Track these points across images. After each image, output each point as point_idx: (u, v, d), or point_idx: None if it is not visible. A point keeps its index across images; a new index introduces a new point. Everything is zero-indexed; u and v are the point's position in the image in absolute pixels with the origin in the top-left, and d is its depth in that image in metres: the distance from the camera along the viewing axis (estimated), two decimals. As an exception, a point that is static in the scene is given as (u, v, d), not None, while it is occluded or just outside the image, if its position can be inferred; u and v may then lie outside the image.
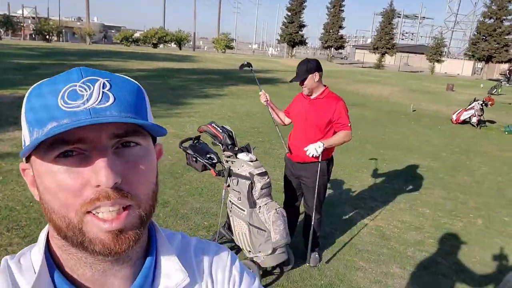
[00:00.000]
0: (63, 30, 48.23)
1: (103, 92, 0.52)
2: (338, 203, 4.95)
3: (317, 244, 3.57)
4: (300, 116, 3.36)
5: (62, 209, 0.51)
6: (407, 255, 3.84)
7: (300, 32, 53.32)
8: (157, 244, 0.63)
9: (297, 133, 3.38)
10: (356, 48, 76.27)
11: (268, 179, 3.05)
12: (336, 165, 6.46)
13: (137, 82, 0.59)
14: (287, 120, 3.63)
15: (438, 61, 42.93)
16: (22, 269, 0.57)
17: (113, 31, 63.76)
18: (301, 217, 3.84)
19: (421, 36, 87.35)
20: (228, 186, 3.17)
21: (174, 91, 12.94)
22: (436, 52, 43.13)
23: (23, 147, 0.53)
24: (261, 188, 2.99)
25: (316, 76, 3.27)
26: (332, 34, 52.23)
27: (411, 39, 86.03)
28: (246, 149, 3.17)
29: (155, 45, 45.52)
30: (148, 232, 0.63)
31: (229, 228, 3.31)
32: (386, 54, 47.83)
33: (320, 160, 3.27)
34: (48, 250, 0.58)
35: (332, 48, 53.67)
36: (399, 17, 61.37)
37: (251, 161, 3.03)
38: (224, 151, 3.16)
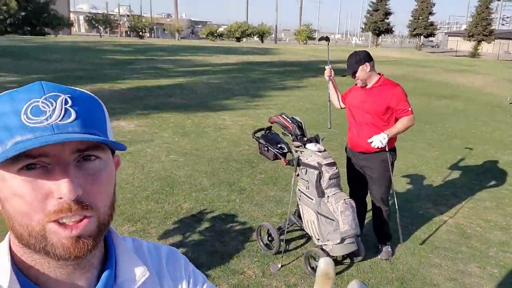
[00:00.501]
0: (154, 27, 51.67)
1: (65, 108, 0.54)
2: (416, 199, 4.78)
3: (388, 237, 3.53)
4: (358, 106, 3.36)
5: (25, 218, 0.53)
6: (489, 255, 3.62)
7: (386, 20, 50.98)
8: (115, 246, 0.67)
9: (357, 123, 3.37)
10: (448, 36, 70.68)
11: (337, 170, 3.10)
12: (419, 159, 6.28)
13: (97, 98, 0.62)
14: (342, 105, 3.66)
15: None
16: None
17: (199, 26, 66.68)
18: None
19: (527, 19, 78.00)
20: (298, 175, 3.28)
21: (254, 84, 13.29)
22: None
23: None
24: (329, 178, 3.05)
25: (367, 66, 3.24)
26: (422, 21, 49.06)
27: (515, 23, 77.28)
28: (315, 139, 3.24)
29: (238, 39, 46.76)
30: (105, 237, 0.67)
31: (299, 216, 3.42)
32: (482, 42, 43.65)
33: (387, 149, 3.25)
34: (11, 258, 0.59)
35: (422, 36, 50.44)
36: (498, 0, 55.42)
37: (319, 152, 3.10)
38: (293, 141, 3.27)
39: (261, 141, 3.41)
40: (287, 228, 3.40)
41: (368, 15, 51.91)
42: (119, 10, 57.70)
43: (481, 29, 43.47)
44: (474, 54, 41.83)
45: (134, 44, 28.69)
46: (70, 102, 0.55)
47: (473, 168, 6.08)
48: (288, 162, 3.26)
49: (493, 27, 45.20)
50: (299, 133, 3.26)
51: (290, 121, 3.31)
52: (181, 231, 3.68)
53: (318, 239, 3.11)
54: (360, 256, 3.23)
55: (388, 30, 52.58)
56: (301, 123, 3.34)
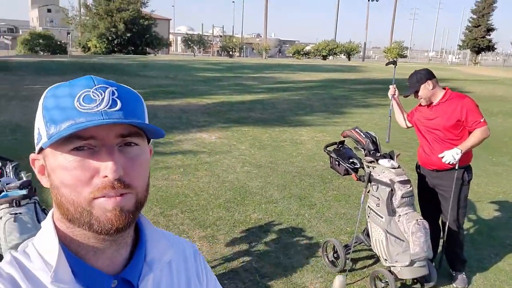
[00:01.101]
0: (244, 46, 53.80)
1: (112, 98, 0.62)
2: (503, 227, 4.30)
3: (463, 263, 3.23)
4: (427, 124, 3.18)
5: (73, 193, 0.60)
6: None
7: (487, 37, 47.11)
8: (145, 228, 0.74)
9: (428, 141, 3.18)
10: None
11: (411, 188, 2.94)
12: (508, 183, 5.65)
13: (137, 93, 0.69)
14: (408, 124, 3.50)
15: None
16: (31, 258, 0.63)
17: (287, 45, 67.91)
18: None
19: None
20: (369, 191, 3.17)
21: (336, 101, 13.13)
22: None
23: (36, 140, 0.64)
24: (402, 197, 2.90)
25: (429, 84, 3.07)
26: (530, 37, 44.41)
27: None
28: (389, 155, 3.11)
29: (324, 57, 46.67)
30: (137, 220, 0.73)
31: (368, 234, 3.29)
32: None
33: (457, 167, 3.03)
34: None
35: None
36: None
37: (393, 168, 2.97)
38: (366, 156, 3.18)
39: (333, 155, 3.37)
40: (354, 246, 3.28)
41: (467, 31, 48.47)
42: (212, 31, 61.26)
43: None
44: None
45: (224, 63, 30.18)
46: (116, 93, 0.63)
47: None
48: (359, 177, 3.17)
49: None
50: (372, 148, 3.17)
51: (364, 136, 3.23)
52: (248, 240, 3.75)
53: (386, 260, 2.96)
54: (432, 282, 2.99)
55: (489, 48, 48.49)
56: (375, 138, 3.24)
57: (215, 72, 21.78)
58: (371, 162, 3.12)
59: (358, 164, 3.31)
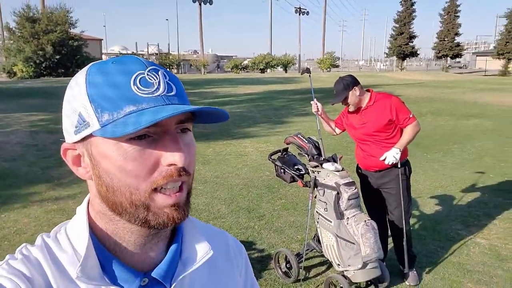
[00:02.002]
0: (181, 63, 53.28)
1: (166, 82, 0.57)
2: (446, 220, 4.51)
3: (412, 259, 3.31)
4: (359, 128, 3.25)
5: (131, 187, 0.55)
6: (530, 280, 3.31)
7: (410, 44, 50.66)
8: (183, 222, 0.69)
9: (365, 144, 3.26)
10: (476, 56, 69.49)
11: (356, 190, 2.95)
12: (448, 179, 5.99)
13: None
14: (338, 131, 3.59)
15: None
16: (61, 246, 0.60)
17: (225, 60, 68.33)
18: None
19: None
20: (315, 197, 3.15)
21: (277, 111, 13.31)
22: None
23: (75, 127, 0.56)
24: (348, 199, 2.91)
25: (356, 90, 3.16)
26: (447, 43, 48.49)
27: (546, 40, 75.24)
28: (332, 158, 3.12)
29: (262, 70, 47.47)
30: None
31: (318, 240, 3.26)
32: (513, 59, 42.53)
33: (399, 164, 3.13)
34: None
35: (448, 58, 49.70)
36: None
37: (337, 171, 2.98)
38: (310, 161, 3.16)
39: (277, 163, 3.32)
40: (306, 254, 3.24)
41: (392, 39, 51.79)
42: (147, 49, 60.12)
43: (511, 47, 42.45)
44: (505, 73, 40.76)
45: (161, 80, 29.51)
46: (167, 76, 0.57)
47: (506, 187, 5.72)
48: (305, 183, 3.14)
49: (523, 45, 44.05)
50: (315, 152, 3.16)
51: (306, 141, 3.22)
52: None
53: (339, 265, 2.93)
54: (385, 282, 3.02)
55: (413, 53, 52.11)
56: (317, 142, 3.24)
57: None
58: (315, 166, 3.11)
59: (303, 170, 3.29)
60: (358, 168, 3.44)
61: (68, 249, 0.59)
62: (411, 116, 3.12)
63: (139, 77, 0.54)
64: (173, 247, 0.64)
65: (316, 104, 3.49)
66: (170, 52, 59.20)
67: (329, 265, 3.40)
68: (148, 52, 58.90)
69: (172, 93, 0.56)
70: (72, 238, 0.60)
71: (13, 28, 30.98)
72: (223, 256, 0.73)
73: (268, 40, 58.87)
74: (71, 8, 31.71)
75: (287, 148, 3.47)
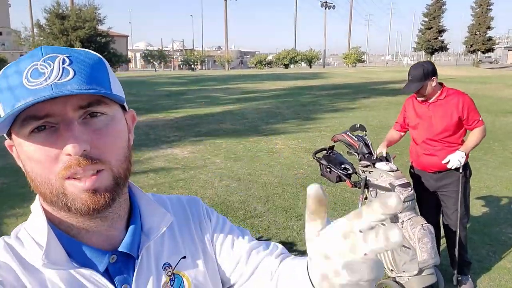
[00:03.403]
0: (206, 59, 53.50)
1: (63, 68, 0.55)
2: (495, 222, 4.23)
3: (469, 266, 3.08)
4: (425, 124, 2.98)
5: (44, 177, 0.56)
6: None
7: (439, 38, 49.28)
8: (137, 197, 0.70)
9: (426, 142, 2.99)
10: (508, 50, 67.02)
11: (412, 191, 2.75)
12: (492, 179, 5.67)
13: (98, 54, 0.61)
14: (400, 135, 3.29)
15: None
16: (23, 243, 0.61)
17: (248, 56, 68.27)
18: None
19: None
20: (365, 198, 2.96)
21: (305, 107, 13.07)
22: None
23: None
24: (404, 201, 2.71)
25: (433, 81, 2.87)
26: (479, 37, 46.89)
27: None
28: (385, 158, 2.93)
29: (286, 66, 47.15)
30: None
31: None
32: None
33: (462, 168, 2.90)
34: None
35: (479, 52, 48.06)
36: None
37: (392, 171, 2.78)
38: (360, 160, 2.98)
39: (323, 161, 3.14)
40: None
41: (421, 34, 50.49)
42: (172, 46, 60.65)
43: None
44: (540, 68, 39.03)
45: (187, 76, 29.76)
46: (67, 61, 0.56)
47: (559, 188, 5.36)
48: (354, 184, 2.96)
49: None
50: (366, 151, 2.97)
51: (356, 139, 3.03)
52: (238, 260, 3.45)
53: (392, 270, 2.75)
54: (442, 290, 2.81)
55: (442, 48, 50.70)
56: (367, 140, 3.04)
57: (178, 85, 21.32)
58: (366, 166, 2.92)
59: (351, 170, 3.10)
60: (412, 167, 3.21)
61: (30, 244, 0.60)
62: (480, 119, 2.88)
63: (31, 70, 0.54)
64: (131, 223, 0.66)
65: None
66: (195, 48, 59.50)
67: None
68: (173, 48, 59.41)
69: (67, 78, 0.54)
70: (32, 233, 0.62)
71: (43, 25, 31.68)
72: (182, 219, 0.74)
73: (292, 35, 58.41)
74: (99, 5, 32.13)
75: (333, 146, 3.29)
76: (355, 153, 3.05)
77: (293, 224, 4.16)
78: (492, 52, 54.65)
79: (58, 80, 0.53)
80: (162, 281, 0.66)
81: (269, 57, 50.74)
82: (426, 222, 2.71)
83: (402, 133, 3.25)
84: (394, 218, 2.72)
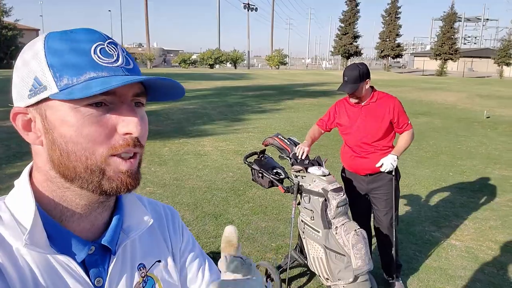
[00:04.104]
0: (126, 57, 51.11)
1: (125, 56, 0.59)
2: (418, 221, 4.44)
3: (398, 268, 3.14)
4: (356, 126, 2.98)
5: (86, 151, 0.55)
6: (509, 282, 3.27)
7: (354, 43, 52.33)
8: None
9: (358, 144, 2.99)
10: (414, 56, 73.47)
11: (344, 196, 2.71)
12: (411, 178, 6.00)
13: None
14: (322, 132, 3.19)
15: (507, 64, 39.90)
16: (2, 219, 0.58)
17: (171, 54, 66.66)
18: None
19: (485, 39, 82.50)
20: (298, 204, 2.87)
21: (232, 108, 12.95)
22: (505, 54, 40.16)
23: (29, 91, 0.56)
24: (337, 206, 2.65)
25: (368, 83, 2.90)
26: (389, 43, 50.67)
27: (474, 43, 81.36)
28: (317, 162, 2.86)
29: (211, 66, 46.77)
30: None
31: (301, 251, 3.00)
32: (448, 60, 45.30)
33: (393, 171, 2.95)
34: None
35: (389, 57, 51.95)
36: (459, 20, 57.87)
37: (324, 176, 2.71)
38: (292, 165, 2.87)
39: (254, 166, 3.00)
40: (289, 266, 2.95)
41: (337, 39, 53.19)
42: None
43: (447, 48, 45.17)
44: (441, 73, 43.32)
45: (105, 74, 28.03)
46: (125, 51, 0.60)
47: (467, 185, 5.83)
48: (286, 189, 2.85)
49: (457, 46, 47.08)
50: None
51: (288, 142, 2.92)
52: (164, 275, 3.16)
53: (327, 279, 2.68)
54: (375, 295, 2.81)
55: (357, 53, 53.87)
56: (299, 143, 2.95)
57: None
58: (299, 171, 2.82)
59: (283, 175, 2.99)
60: (343, 170, 3.19)
61: (9, 222, 0.58)
62: (409, 122, 2.94)
63: (99, 47, 0.56)
64: (116, 217, 0.66)
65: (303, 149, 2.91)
66: (114, 45, 56.58)
67: (311, 276, 3.15)
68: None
69: (130, 66, 0.58)
70: (13, 210, 0.59)
71: None
72: (159, 223, 0.75)
73: (216, 35, 58.22)
74: (3, -6, 29.11)
75: (264, 150, 3.16)
76: (287, 158, 2.94)
77: (223, 232, 3.96)
78: (401, 57, 59.36)
79: (125, 65, 0.57)
80: (135, 281, 0.66)
81: (194, 56, 49.96)
82: (359, 227, 2.67)
83: (323, 131, 3.19)
84: (328, 224, 2.65)
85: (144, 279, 0.67)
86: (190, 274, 0.76)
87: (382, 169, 2.86)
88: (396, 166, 3.01)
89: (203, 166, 6.23)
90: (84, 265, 0.61)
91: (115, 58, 0.56)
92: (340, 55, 54.68)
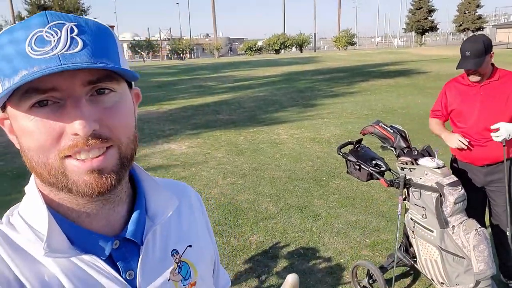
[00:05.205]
0: (194, 47, 52.52)
1: (71, 37, 0.50)
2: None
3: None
4: (474, 109, 2.55)
5: (41, 156, 0.52)
6: None
7: (429, 18, 48.82)
8: (142, 180, 0.67)
9: (476, 131, 2.57)
10: (497, 28, 66.90)
11: (462, 190, 2.34)
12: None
13: (107, 26, 0.55)
14: (443, 123, 2.81)
15: None
16: (16, 229, 0.56)
17: (237, 43, 67.26)
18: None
19: None
20: (405, 199, 2.56)
21: (303, 93, 12.61)
22: None
23: None
24: (455, 202, 2.30)
25: (492, 57, 2.48)
26: (469, 15, 46.55)
27: None
28: (428, 152, 2.51)
29: (277, 51, 46.40)
30: (131, 173, 0.67)
31: (406, 250, 2.69)
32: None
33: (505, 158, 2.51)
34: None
35: (469, 31, 47.76)
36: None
37: (438, 168, 2.37)
38: (398, 156, 2.56)
39: (350, 158, 2.71)
40: (395, 268, 2.66)
41: (410, 14, 49.98)
42: (160, 35, 59.44)
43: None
44: (531, 44, 38.87)
45: (177, 66, 29.03)
46: (76, 30, 0.51)
47: None
48: (390, 182, 2.54)
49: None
50: (404, 145, 2.55)
51: (391, 131, 2.60)
52: (255, 272, 3.04)
53: (443, 283, 2.36)
54: (500, 304, 2.44)
55: (433, 28, 50.28)
56: (404, 132, 2.62)
57: (169, 76, 20.66)
58: (407, 163, 2.50)
59: (384, 167, 2.68)
60: (454, 161, 2.80)
61: (25, 231, 0.56)
62: None
63: (35, 36, 0.49)
64: (136, 208, 0.63)
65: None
66: (182, 36, 58.39)
67: (415, 277, 2.84)
68: (160, 37, 58.29)
69: (76, 49, 0.50)
70: (27, 218, 0.57)
71: (25, 17, 30.65)
72: (186, 204, 0.73)
73: (280, 20, 57.58)
74: (82, -5, 31.13)
75: (361, 139, 2.86)
76: (391, 148, 2.63)
77: (311, 225, 3.76)
78: (482, 30, 54.32)
79: (66, 50, 0.50)
80: (171, 268, 0.64)
81: (259, 43, 49.88)
82: (480, 226, 2.30)
83: (444, 122, 2.81)
84: (444, 223, 2.31)
85: (179, 264, 0.65)
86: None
87: (496, 134, 2.41)
88: None
89: (281, 155, 6.05)
90: (112, 261, 0.58)
91: (52, 44, 0.49)
92: (413, 31, 51.36)
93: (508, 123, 2.42)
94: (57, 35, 0.49)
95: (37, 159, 0.52)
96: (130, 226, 0.60)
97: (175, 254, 0.65)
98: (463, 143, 2.54)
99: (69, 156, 0.51)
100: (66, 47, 0.49)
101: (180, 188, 0.76)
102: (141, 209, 0.63)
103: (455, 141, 2.58)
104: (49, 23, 0.50)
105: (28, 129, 0.51)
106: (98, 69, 0.51)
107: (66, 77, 0.49)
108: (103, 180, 0.53)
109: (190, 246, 0.68)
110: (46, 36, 0.49)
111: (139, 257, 0.60)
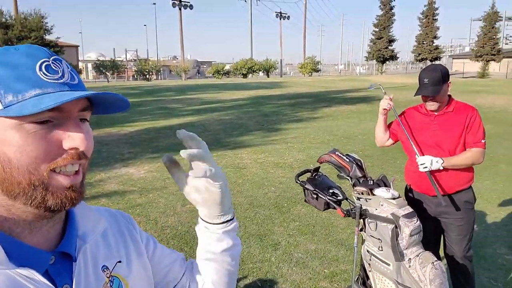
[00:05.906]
0: (161, 69, 52.13)
1: (69, 71, 0.60)
2: (487, 242, 3.93)
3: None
4: (428, 138, 2.58)
5: (30, 167, 0.55)
6: None
7: (389, 47, 51.03)
8: None
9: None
10: (453, 58, 70.82)
11: (418, 222, 2.32)
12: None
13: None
14: (389, 142, 2.84)
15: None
16: None
17: (205, 66, 67.54)
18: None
19: (530, 38, 78.49)
20: (361, 230, 2.50)
21: (268, 117, 12.66)
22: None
23: None
24: (410, 235, 2.26)
25: (449, 86, 2.52)
26: (426, 46, 49.05)
27: (518, 42, 77.53)
28: (383, 182, 2.48)
29: (244, 75, 46.87)
30: None
31: (364, 283, 2.62)
32: (491, 61, 43.14)
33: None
34: None
35: (427, 60, 50.24)
36: (501, 20, 55.12)
37: (393, 198, 2.34)
38: (354, 185, 2.51)
39: (308, 186, 2.65)
40: (350, 301, 2.58)
41: (372, 44, 52.09)
42: (126, 55, 58.80)
43: (489, 48, 43.05)
44: (483, 75, 41.25)
45: (142, 86, 28.62)
46: (69, 67, 0.61)
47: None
48: (346, 212, 2.48)
49: (500, 46, 44.84)
50: (359, 174, 2.51)
51: (347, 160, 2.56)
52: (209, 307, 2.86)
53: (400, 319, 2.29)
54: None
55: (393, 57, 52.52)
56: (360, 161, 2.59)
57: (133, 96, 20.25)
58: (362, 193, 2.46)
59: (341, 196, 2.63)
60: (410, 190, 2.79)
61: None
62: (482, 141, 2.49)
63: (44, 64, 0.56)
64: (69, 226, 0.66)
65: (391, 98, 2.70)
66: (149, 58, 57.95)
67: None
68: (126, 58, 57.62)
69: (75, 81, 0.59)
70: None
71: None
72: (114, 226, 0.76)
73: (248, 45, 58.48)
74: (46, 14, 30.32)
75: (318, 167, 2.81)
76: (347, 177, 2.58)
77: (270, 255, 3.64)
78: (439, 60, 57.29)
79: (70, 81, 0.59)
80: (103, 282, 0.67)
81: (227, 67, 50.26)
82: (436, 259, 2.27)
83: (389, 136, 2.81)
84: (400, 256, 2.26)
85: (110, 278, 0.68)
86: (165, 267, 0.82)
87: (421, 165, 2.44)
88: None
89: (243, 181, 5.94)
90: (49, 275, 0.60)
91: (60, 74, 0.57)
92: (375, 60, 53.44)
93: (432, 158, 2.45)
94: (61, 67, 0.58)
95: (24, 168, 0.55)
96: (65, 242, 0.63)
97: (105, 270, 0.68)
98: (390, 103, 2.63)
99: (54, 171, 0.56)
100: (70, 79, 0.59)
101: (111, 213, 0.79)
102: (73, 228, 0.66)
103: (383, 103, 2.64)
104: (51, 56, 0.58)
105: (20, 141, 0.54)
106: (85, 100, 0.60)
107: (71, 102, 0.56)
108: (77, 194, 0.59)
109: (119, 261, 0.71)
110: (54, 66, 0.57)
111: (73, 272, 0.62)
